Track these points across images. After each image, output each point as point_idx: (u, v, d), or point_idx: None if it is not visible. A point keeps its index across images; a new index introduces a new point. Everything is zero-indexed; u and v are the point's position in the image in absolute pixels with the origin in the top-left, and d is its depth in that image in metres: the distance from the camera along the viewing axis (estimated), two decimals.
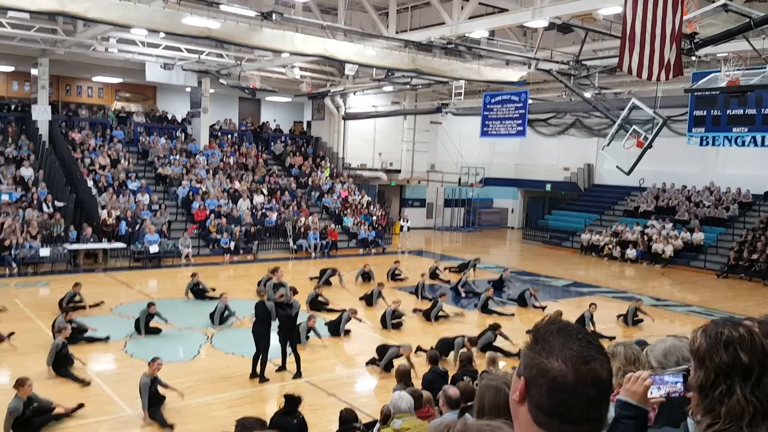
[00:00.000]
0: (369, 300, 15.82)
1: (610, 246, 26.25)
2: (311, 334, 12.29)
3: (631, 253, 25.46)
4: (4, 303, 13.88)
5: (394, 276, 19.06)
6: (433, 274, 19.68)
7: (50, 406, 8.43)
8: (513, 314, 15.73)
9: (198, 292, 15.77)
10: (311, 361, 11.33)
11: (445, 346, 11.39)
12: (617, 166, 17.65)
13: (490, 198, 37.34)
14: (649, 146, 16.39)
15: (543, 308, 15.90)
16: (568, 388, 1.42)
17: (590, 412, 1.44)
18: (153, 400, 8.76)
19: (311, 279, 18.13)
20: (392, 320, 13.85)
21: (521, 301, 16.60)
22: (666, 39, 11.05)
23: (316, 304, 14.90)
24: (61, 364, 10.11)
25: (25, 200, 20.56)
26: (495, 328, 12.06)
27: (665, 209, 27.70)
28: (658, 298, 18.28)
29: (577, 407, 1.43)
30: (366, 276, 18.56)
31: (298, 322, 11.45)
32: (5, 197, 20.32)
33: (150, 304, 12.62)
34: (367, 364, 11.38)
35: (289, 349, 10.76)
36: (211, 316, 13.55)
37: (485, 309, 15.51)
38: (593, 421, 1.46)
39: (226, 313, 13.49)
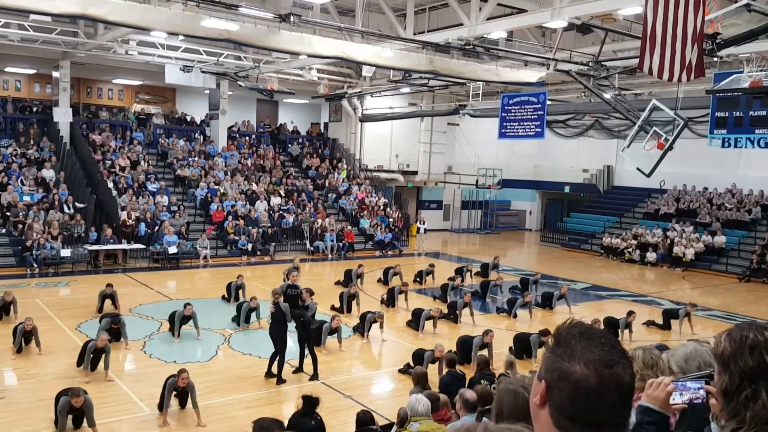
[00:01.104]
0: (391, 301, 15.79)
1: (630, 249, 25.98)
2: (333, 336, 12.31)
3: (651, 256, 25.18)
4: (25, 302, 14.01)
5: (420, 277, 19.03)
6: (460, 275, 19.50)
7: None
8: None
9: (238, 295, 15.74)
10: (327, 363, 11.33)
11: (465, 345, 11.33)
12: (637, 168, 17.46)
13: (508, 200, 37.14)
14: (670, 148, 16.19)
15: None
16: (591, 393, 1.40)
17: (612, 417, 1.42)
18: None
19: (336, 284, 18.12)
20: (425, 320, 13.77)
21: (546, 302, 16.45)
22: (687, 39, 10.91)
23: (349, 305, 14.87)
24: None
25: (46, 201, 20.83)
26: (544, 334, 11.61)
27: (686, 212, 27.36)
28: (678, 302, 18.02)
29: (599, 412, 1.41)
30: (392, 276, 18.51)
31: (320, 323, 11.46)
32: (27, 198, 20.61)
33: (186, 305, 12.62)
34: (400, 371, 11.20)
35: (306, 351, 10.77)
36: (236, 318, 13.59)
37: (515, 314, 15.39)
38: (615, 426, 1.43)
39: (253, 315, 13.51)
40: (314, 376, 10.56)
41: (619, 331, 13.42)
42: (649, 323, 15.14)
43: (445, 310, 14.86)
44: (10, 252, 18.77)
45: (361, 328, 13.19)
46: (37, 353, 11.12)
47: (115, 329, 11.68)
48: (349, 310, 14.97)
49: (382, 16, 18.65)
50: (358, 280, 17.60)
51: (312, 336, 11.02)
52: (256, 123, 31.97)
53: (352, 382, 10.92)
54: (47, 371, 10.36)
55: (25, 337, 11.20)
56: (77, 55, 22.84)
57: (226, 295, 15.74)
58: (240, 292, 15.67)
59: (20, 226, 19.24)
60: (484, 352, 10.57)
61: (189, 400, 8.81)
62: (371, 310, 13.73)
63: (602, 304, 17.92)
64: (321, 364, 10.85)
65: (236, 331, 13.25)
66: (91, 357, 10.13)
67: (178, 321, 12.40)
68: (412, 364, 10.67)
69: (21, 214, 19.76)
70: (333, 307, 15.06)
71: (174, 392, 8.80)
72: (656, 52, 10.94)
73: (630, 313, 13.84)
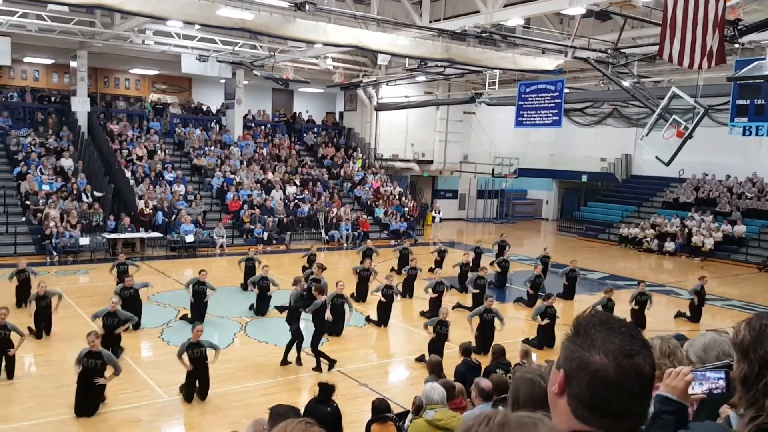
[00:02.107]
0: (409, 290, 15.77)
1: (648, 239, 25.73)
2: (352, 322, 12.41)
3: (669, 245, 24.93)
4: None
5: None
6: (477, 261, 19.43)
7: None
8: None
9: (263, 287, 15.77)
10: (343, 351, 11.37)
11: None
12: (656, 157, 17.23)
13: (524, 189, 36.92)
14: (690, 136, 15.97)
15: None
16: (610, 382, 1.40)
17: (632, 407, 1.42)
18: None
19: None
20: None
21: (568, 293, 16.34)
22: (708, 26, 10.73)
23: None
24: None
25: (65, 190, 21.05)
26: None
27: (705, 201, 27.03)
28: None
29: (618, 401, 1.40)
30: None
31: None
32: (46, 187, 20.84)
33: (201, 271, 12.86)
34: (417, 360, 11.21)
35: (324, 339, 10.83)
36: (253, 306, 13.67)
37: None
38: (634, 415, 1.43)
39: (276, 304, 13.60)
40: (331, 365, 10.61)
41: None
42: (679, 314, 14.97)
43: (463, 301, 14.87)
44: (29, 240, 19.02)
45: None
46: (56, 339, 11.26)
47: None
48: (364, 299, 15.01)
49: (398, 4, 18.53)
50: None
51: (319, 327, 10.93)
52: (271, 112, 32.02)
53: (368, 370, 10.96)
54: (66, 357, 10.48)
55: (37, 302, 11.45)
56: (94, 44, 22.97)
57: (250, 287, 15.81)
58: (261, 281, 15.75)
59: (39, 214, 19.48)
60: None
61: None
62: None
63: (619, 293, 17.76)
64: (338, 352, 10.90)
65: (252, 319, 13.33)
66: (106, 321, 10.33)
67: (192, 284, 12.64)
68: (427, 354, 10.69)
69: (41, 202, 20.00)
70: (352, 296, 15.00)
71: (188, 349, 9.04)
72: (676, 39, 10.77)
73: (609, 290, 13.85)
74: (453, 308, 13.97)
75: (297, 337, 10.53)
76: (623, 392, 1.40)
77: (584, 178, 33.14)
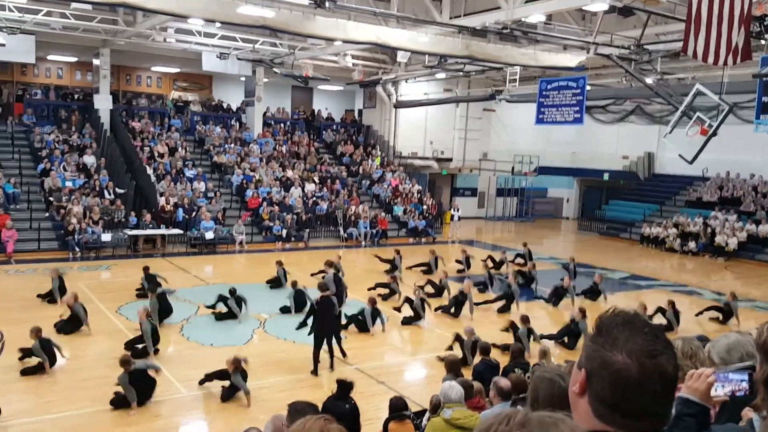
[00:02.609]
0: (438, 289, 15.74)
1: (671, 238, 25.40)
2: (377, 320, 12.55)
3: (692, 245, 24.59)
4: (67, 286, 14.38)
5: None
6: (499, 265, 19.31)
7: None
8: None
9: (299, 303, 15.82)
10: (361, 349, 11.38)
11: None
12: (680, 155, 17.02)
13: (545, 187, 36.64)
14: (714, 134, 15.73)
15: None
16: (632, 383, 1.38)
17: (654, 407, 1.40)
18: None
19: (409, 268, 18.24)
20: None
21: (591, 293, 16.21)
22: (734, 21, 10.54)
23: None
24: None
25: (87, 187, 21.32)
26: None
27: (730, 200, 26.61)
28: (720, 293, 17.57)
29: (641, 402, 1.39)
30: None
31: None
32: (69, 184, 21.13)
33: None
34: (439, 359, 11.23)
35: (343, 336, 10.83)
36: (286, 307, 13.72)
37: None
38: (657, 416, 1.42)
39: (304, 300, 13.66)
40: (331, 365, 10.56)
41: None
42: (709, 309, 14.77)
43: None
44: (53, 236, 19.29)
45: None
46: (79, 335, 11.39)
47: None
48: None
49: (418, 1, 18.47)
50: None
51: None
52: (291, 110, 32.14)
53: (386, 368, 10.94)
54: (87, 352, 10.64)
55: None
56: (117, 42, 23.23)
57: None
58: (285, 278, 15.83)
59: (62, 211, 19.74)
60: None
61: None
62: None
63: (641, 293, 17.58)
64: (357, 349, 10.90)
65: (271, 316, 13.38)
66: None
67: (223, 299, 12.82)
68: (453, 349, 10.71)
69: (64, 199, 20.27)
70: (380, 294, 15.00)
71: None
72: (701, 35, 10.60)
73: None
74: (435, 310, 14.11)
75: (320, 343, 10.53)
76: (645, 392, 1.38)
77: (606, 176, 32.79)
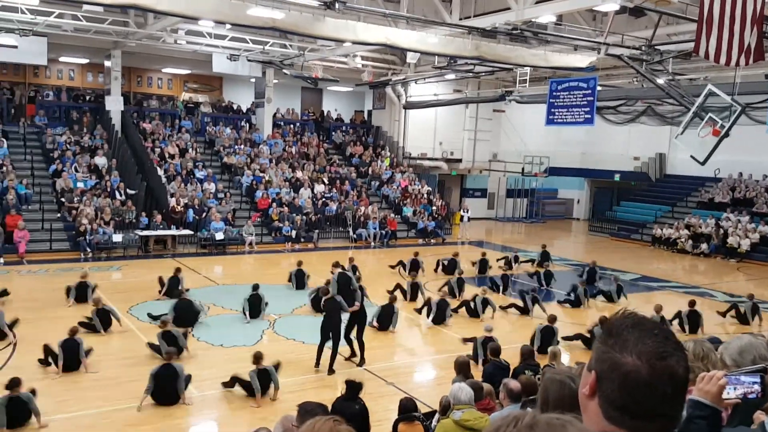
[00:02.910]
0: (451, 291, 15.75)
1: (683, 239, 25.24)
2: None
3: (704, 246, 24.41)
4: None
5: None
6: (509, 265, 19.28)
7: None
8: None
9: (300, 279, 16.00)
10: (370, 350, 11.35)
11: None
12: (691, 156, 16.90)
13: (555, 188, 36.51)
14: (726, 135, 15.61)
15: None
16: (642, 384, 1.38)
17: (664, 409, 1.40)
18: None
19: (391, 267, 18.36)
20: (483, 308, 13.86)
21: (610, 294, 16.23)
22: (746, 22, 10.46)
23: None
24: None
25: (99, 188, 21.46)
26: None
27: (742, 201, 26.40)
28: (732, 294, 17.44)
29: (650, 403, 1.38)
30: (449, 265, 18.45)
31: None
32: (81, 185, 21.27)
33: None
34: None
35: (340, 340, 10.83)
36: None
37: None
38: (667, 417, 1.41)
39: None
40: (361, 362, 10.65)
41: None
42: (732, 308, 14.69)
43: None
44: (64, 237, 19.43)
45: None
46: (92, 334, 11.46)
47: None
48: (414, 298, 15.10)
49: (428, 1, 18.47)
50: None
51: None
52: (300, 111, 32.22)
53: (395, 369, 10.94)
54: (99, 351, 10.68)
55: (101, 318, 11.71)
56: (128, 44, 23.37)
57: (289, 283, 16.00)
58: (306, 278, 15.98)
59: (74, 211, 19.88)
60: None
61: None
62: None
63: (652, 295, 17.48)
64: (366, 350, 10.89)
65: (281, 317, 13.41)
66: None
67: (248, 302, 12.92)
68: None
69: (75, 199, 20.41)
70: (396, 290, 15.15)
71: None
72: (713, 36, 10.54)
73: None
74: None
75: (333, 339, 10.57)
76: (655, 394, 1.38)
77: (617, 177, 32.63)
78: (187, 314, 12.17)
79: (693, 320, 13.41)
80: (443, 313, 13.47)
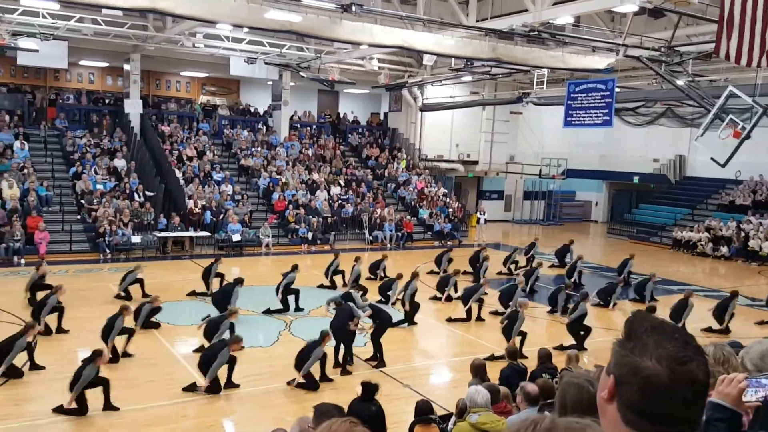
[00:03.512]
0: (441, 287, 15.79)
1: (703, 242, 24.93)
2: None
3: (724, 249, 24.09)
4: (98, 287, 14.65)
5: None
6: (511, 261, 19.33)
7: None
8: None
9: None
10: (385, 351, 11.34)
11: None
12: (712, 158, 16.68)
13: (573, 190, 36.24)
14: (747, 137, 15.40)
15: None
16: (662, 389, 1.36)
17: (684, 414, 1.38)
18: None
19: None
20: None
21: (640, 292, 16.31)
22: None
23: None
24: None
25: (118, 190, 21.68)
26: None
27: (763, 203, 26.03)
28: (753, 298, 17.19)
29: (670, 408, 1.36)
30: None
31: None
32: (100, 187, 21.51)
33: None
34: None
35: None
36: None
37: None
38: (687, 422, 1.39)
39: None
40: (380, 363, 10.69)
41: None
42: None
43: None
44: (84, 238, 19.66)
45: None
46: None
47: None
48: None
49: (444, 4, 18.43)
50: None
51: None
52: (317, 113, 32.32)
53: (411, 371, 10.91)
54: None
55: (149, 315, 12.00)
56: (147, 48, 23.62)
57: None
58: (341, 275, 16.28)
59: (94, 213, 20.12)
60: None
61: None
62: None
63: (671, 298, 17.26)
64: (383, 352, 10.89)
65: (297, 318, 13.44)
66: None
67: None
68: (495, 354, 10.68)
69: (95, 201, 20.65)
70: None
71: None
72: (734, 36, 10.39)
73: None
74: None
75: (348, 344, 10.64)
76: (675, 399, 1.36)
77: (636, 179, 32.31)
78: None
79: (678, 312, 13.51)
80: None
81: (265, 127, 28.74)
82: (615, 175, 33.46)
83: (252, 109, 30.19)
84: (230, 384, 9.33)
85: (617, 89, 19.68)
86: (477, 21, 17.09)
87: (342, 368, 10.37)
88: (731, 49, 10.55)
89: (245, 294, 13.53)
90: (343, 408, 5.88)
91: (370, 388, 7.14)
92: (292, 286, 13.99)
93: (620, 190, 35.13)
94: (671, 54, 17.01)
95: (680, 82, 18.24)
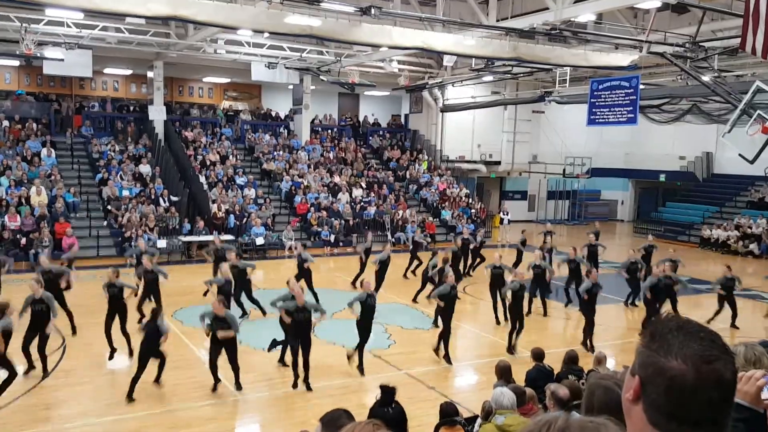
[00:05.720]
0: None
1: (733, 240, 24.47)
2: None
3: (753, 247, 23.62)
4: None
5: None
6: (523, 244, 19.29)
7: None
8: None
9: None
10: (410, 354, 11.33)
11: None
12: (740, 154, 16.36)
13: (598, 189, 35.84)
14: None
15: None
16: (688, 389, 1.33)
17: (711, 414, 1.34)
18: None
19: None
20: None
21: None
22: None
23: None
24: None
25: (143, 195, 21.98)
26: None
27: None
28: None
29: (697, 409, 1.33)
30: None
31: None
32: (126, 192, 21.83)
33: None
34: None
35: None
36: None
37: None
38: (714, 423, 1.36)
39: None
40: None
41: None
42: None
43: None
44: (110, 243, 19.96)
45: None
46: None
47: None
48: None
49: (464, 4, 18.37)
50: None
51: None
52: (338, 116, 32.44)
53: (436, 373, 10.86)
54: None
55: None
56: (169, 55, 23.92)
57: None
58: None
59: (120, 218, 20.41)
60: None
61: None
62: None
63: (699, 298, 16.99)
64: (407, 354, 10.88)
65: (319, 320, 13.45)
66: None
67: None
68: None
69: (121, 207, 20.96)
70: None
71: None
72: (760, 31, 10.20)
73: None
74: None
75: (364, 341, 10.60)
76: (702, 399, 1.33)
77: (662, 177, 31.84)
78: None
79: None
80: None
81: (286, 131, 28.92)
82: (641, 174, 33.03)
83: (273, 114, 30.40)
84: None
85: (641, 86, 19.41)
86: (497, 20, 17.01)
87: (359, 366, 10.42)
88: (757, 44, 10.36)
89: (270, 297, 13.55)
90: (350, 412, 5.89)
91: (387, 391, 7.09)
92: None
93: (646, 188, 34.67)
94: (696, 50, 16.75)
95: (706, 78, 17.95)
